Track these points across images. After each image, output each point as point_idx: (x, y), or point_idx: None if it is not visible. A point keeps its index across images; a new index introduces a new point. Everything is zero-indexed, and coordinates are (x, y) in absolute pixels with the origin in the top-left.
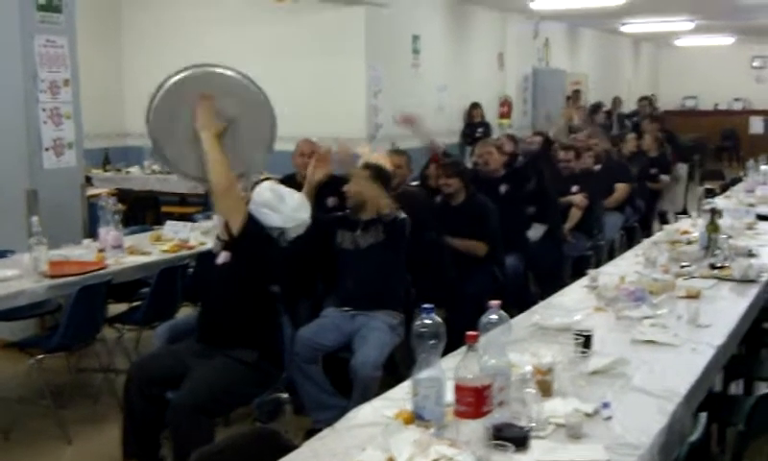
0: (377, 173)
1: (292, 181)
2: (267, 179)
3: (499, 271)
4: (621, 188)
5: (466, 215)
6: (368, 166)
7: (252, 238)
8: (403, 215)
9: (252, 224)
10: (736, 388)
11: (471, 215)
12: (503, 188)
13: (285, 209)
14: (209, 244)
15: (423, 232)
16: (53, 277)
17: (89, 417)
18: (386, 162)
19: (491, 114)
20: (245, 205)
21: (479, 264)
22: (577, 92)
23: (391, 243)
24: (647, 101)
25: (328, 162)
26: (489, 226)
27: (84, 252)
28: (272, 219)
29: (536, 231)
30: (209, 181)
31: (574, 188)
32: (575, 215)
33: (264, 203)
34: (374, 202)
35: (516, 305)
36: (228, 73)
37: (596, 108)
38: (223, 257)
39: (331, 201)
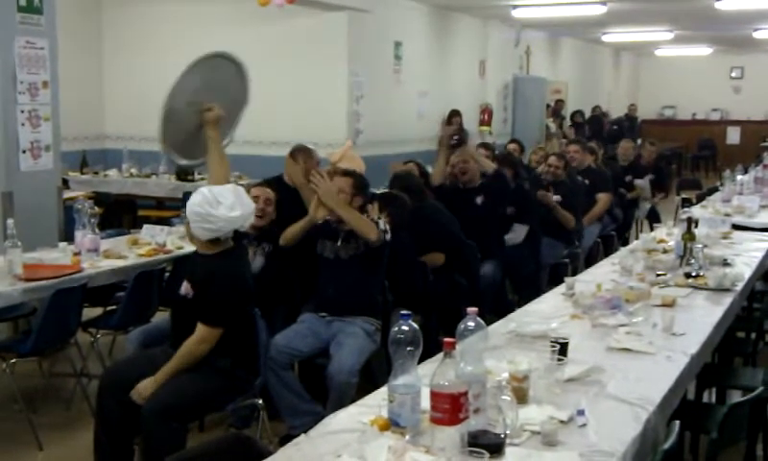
0: (359, 184)
1: (279, 184)
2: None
3: (465, 278)
4: (603, 198)
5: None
6: (348, 174)
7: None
8: (388, 236)
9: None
10: (709, 396)
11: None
12: (479, 199)
13: (222, 211)
14: (186, 248)
15: (400, 233)
16: (27, 280)
17: (61, 422)
18: (358, 164)
19: (471, 122)
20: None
21: (442, 271)
22: (560, 102)
23: (372, 256)
24: (634, 107)
25: (333, 198)
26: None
27: (59, 255)
28: (214, 229)
29: (517, 234)
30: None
31: (554, 198)
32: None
33: (201, 218)
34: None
35: (493, 312)
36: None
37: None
38: (184, 289)
39: None
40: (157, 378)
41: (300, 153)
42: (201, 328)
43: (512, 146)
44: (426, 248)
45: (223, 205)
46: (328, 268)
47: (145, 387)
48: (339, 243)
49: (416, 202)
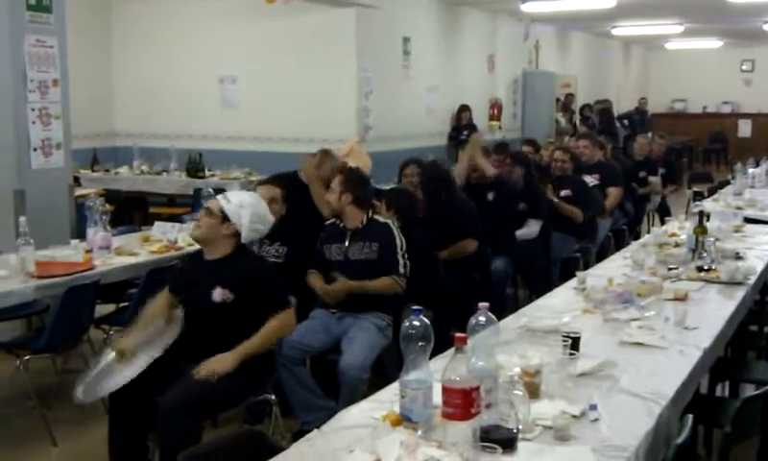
0: (348, 179)
1: (291, 179)
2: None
3: (477, 273)
4: (614, 193)
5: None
6: (341, 172)
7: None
8: (405, 281)
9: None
10: (722, 390)
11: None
12: (491, 195)
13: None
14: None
15: (410, 230)
16: (40, 277)
17: (76, 418)
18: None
19: (481, 116)
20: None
21: (460, 266)
22: (570, 96)
23: (383, 260)
24: (645, 101)
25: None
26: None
27: (71, 252)
28: (262, 230)
29: (531, 228)
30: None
31: (563, 192)
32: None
33: (259, 218)
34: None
35: (499, 308)
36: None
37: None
38: (220, 295)
39: None
40: (235, 356)
41: (322, 151)
42: (281, 315)
43: (527, 148)
44: (458, 238)
45: (261, 204)
46: (338, 269)
47: (223, 360)
48: (347, 243)
49: (447, 192)
